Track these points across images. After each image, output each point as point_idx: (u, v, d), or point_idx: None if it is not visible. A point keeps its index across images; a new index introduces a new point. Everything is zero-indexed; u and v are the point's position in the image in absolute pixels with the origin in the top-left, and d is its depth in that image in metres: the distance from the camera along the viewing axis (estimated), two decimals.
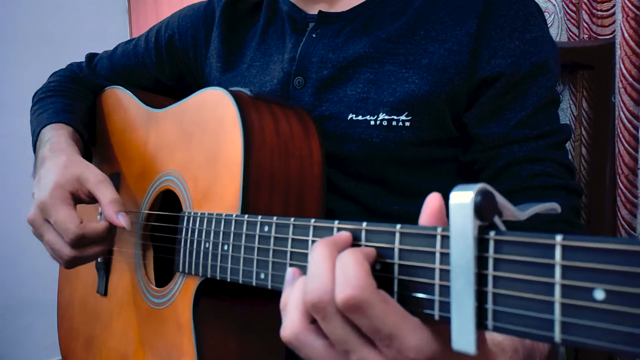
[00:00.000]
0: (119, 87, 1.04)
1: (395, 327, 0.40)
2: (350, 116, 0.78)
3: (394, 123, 0.76)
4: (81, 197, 0.81)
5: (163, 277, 0.85)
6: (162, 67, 1.05)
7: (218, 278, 0.66)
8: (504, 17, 0.75)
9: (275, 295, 0.57)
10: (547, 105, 0.77)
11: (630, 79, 0.96)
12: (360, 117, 0.77)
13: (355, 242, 0.46)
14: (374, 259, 0.44)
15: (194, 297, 0.72)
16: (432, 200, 0.43)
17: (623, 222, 0.99)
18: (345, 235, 0.46)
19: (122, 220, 0.78)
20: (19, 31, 2.27)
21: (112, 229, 0.81)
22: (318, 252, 0.43)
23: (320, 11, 0.85)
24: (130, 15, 2.58)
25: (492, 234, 0.37)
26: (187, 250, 0.73)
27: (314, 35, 0.85)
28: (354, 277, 0.40)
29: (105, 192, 0.80)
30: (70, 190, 0.80)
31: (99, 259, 0.97)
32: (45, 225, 0.79)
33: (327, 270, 0.42)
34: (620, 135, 0.98)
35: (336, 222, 0.49)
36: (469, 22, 0.76)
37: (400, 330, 0.40)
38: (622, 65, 0.97)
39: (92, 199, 0.82)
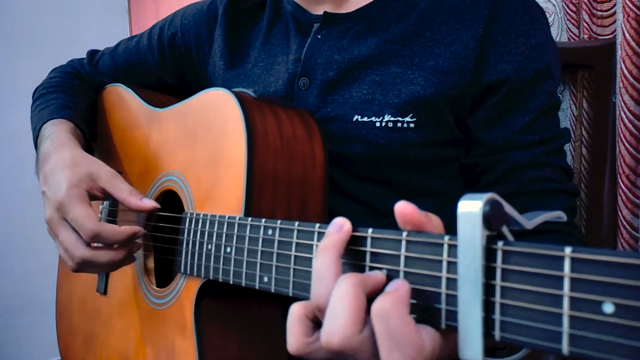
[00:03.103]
0: (120, 84, 1.03)
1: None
2: (355, 117, 0.78)
3: (399, 124, 0.76)
4: (95, 195, 0.81)
5: (164, 277, 0.85)
6: (164, 65, 1.04)
7: (220, 280, 0.66)
8: (509, 22, 0.75)
9: (277, 297, 0.57)
10: (549, 110, 0.78)
11: (631, 79, 0.96)
12: (365, 119, 0.77)
13: (359, 237, 0.46)
14: (409, 297, 0.42)
15: (196, 298, 0.71)
16: (404, 213, 0.43)
17: (624, 222, 0.99)
18: (344, 234, 0.46)
19: (150, 203, 0.78)
20: (19, 31, 2.26)
21: (130, 238, 0.78)
22: (324, 258, 0.44)
23: (325, 12, 0.85)
24: (130, 15, 2.57)
25: (500, 244, 0.37)
26: (189, 251, 0.73)
27: (319, 37, 0.84)
28: (404, 344, 0.39)
29: (121, 186, 0.80)
30: (85, 188, 0.79)
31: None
32: (62, 224, 0.78)
33: (332, 278, 0.43)
34: (621, 135, 0.98)
35: None
36: (475, 26, 0.75)
37: None
38: (623, 65, 0.97)
39: (106, 196, 0.82)
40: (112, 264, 0.79)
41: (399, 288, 0.41)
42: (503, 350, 1.05)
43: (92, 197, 0.80)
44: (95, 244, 0.77)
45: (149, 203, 0.78)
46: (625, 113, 0.97)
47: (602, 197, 1.02)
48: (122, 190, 0.79)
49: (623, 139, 0.98)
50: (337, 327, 0.41)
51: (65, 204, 0.76)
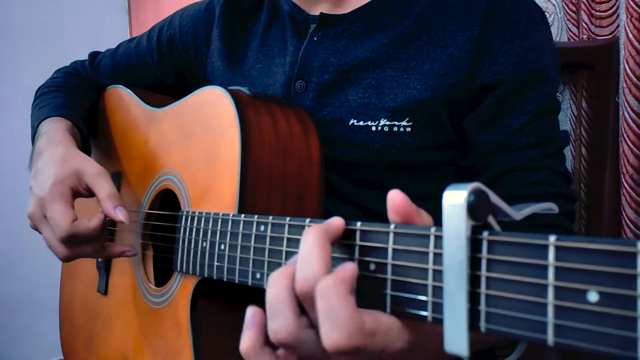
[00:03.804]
0: (120, 86, 1.04)
1: (382, 347, 0.41)
2: (351, 121, 0.77)
3: (395, 129, 0.75)
4: (81, 192, 0.81)
5: (163, 276, 0.85)
6: (164, 66, 1.05)
7: (215, 277, 0.66)
8: (505, 24, 0.75)
9: None
10: (546, 113, 0.76)
11: (634, 79, 0.96)
12: (361, 123, 0.77)
13: (349, 231, 0.46)
14: (354, 280, 0.42)
15: (192, 296, 0.71)
16: (394, 200, 0.42)
17: (628, 222, 0.98)
18: (336, 223, 0.46)
19: (120, 215, 0.76)
20: (19, 31, 2.28)
21: (104, 227, 0.80)
22: (310, 240, 0.43)
23: (321, 13, 0.85)
24: (130, 15, 2.58)
25: (485, 234, 0.37)
26: (185, 249, 0.73)
27: (315, 38, 0.84)
28: (343, 322, 0.39)
29: (103, 185, 0.79)
30: (70, 185, 0.79)
31: (99, 259, 0.97)
32: (44, 221, 0.78)
33: (318, 261, 0.42)
34: (625, 135, 0.98)
35: None
36: (471, 28, 0.75)
37: (389, 345, 0.41)
38: (626, 66, 0.96)
39: (91, 193, 0.81)
40: (98, 253, 0.81)
41: (346, 268, 0.41)
42: (504, 349, 1.04)
43: (77, 194, 0.80)
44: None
45: (120, 214, 0.76)
46: (628, 113, 0.97)
47: (603, 197, 1.02)
48: (103, 190, 0.78)
49: (627, 138, 0.98)
50: (281, 326, 0.43)
51: (45, 200, 0.77)
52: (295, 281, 0.43)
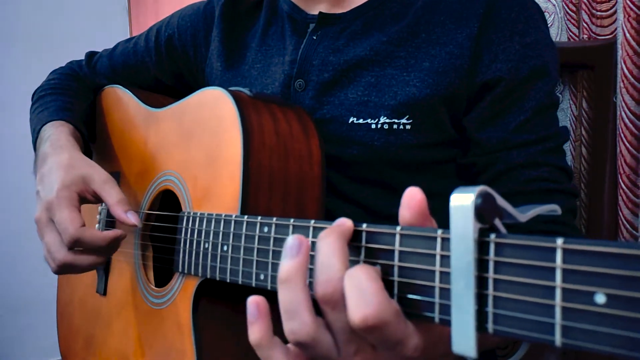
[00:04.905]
0: (118, 86, 1.04)
1: (402, 335, 0.41)
2: (351, 119, 0.78)
3: (395, 126, 0.76)
4: (87, 198, 0.81)
5: (162, 277, 0.85)
6: (162, 67, 1.05)
7: (217, 279, 0.66)
8: (504, 21, 0.75)
9: (274, 295, 0.57)
10: (546, 109, 0.77)
11: (632, 79, 0.96)
12: (361, 121, 0.77)
13: (355, 232, 0.46)
14: (381, 277, 0.43)
15: (194, 297, 0.71)
16: (413, 197, 0.42)
17: (625, 222, 0.99)
18: (348, 224, 0.46)
19: (132, 219, 0.78)
20: (19, 31, 2.27)
21: (112, 244, 0.79)
22: (329, 243, 0.43)
23: (320, 12, 0.85)
24: (130, 15, 2.58)
25: (492, 236, 0.37)
26: (187, 250, 0.73)
27: (314, 37, 0.84)
28: (371, 295, 0.39)
29: (112, 192, 0.79)
30: (76, 190, 0.79)
31: None
32: (49, 225, 0.78)
33: (340, 262, 0.42)
34: (622, 135, 0.98)
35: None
36: (470, 25, 0.75)
37: (405, 337, 0.41)
38: (623, 66, 0.97)
39: (97, 199, 0.82)
40: (93, 266, 0.80)
41: (372, 267, 0.42)
42: (504, 349, 1.04)
43: (83, 200, 0.81)
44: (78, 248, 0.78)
45: (132, 218, 0.78)
46: (625, 113, 0.97)
47: (602, 197, 1.02)
48: (111, 196, 0.79)
49: (624, 138, 0.98)
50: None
51: (53, 204, 0.77)
52: (315, 284, 0.43)
